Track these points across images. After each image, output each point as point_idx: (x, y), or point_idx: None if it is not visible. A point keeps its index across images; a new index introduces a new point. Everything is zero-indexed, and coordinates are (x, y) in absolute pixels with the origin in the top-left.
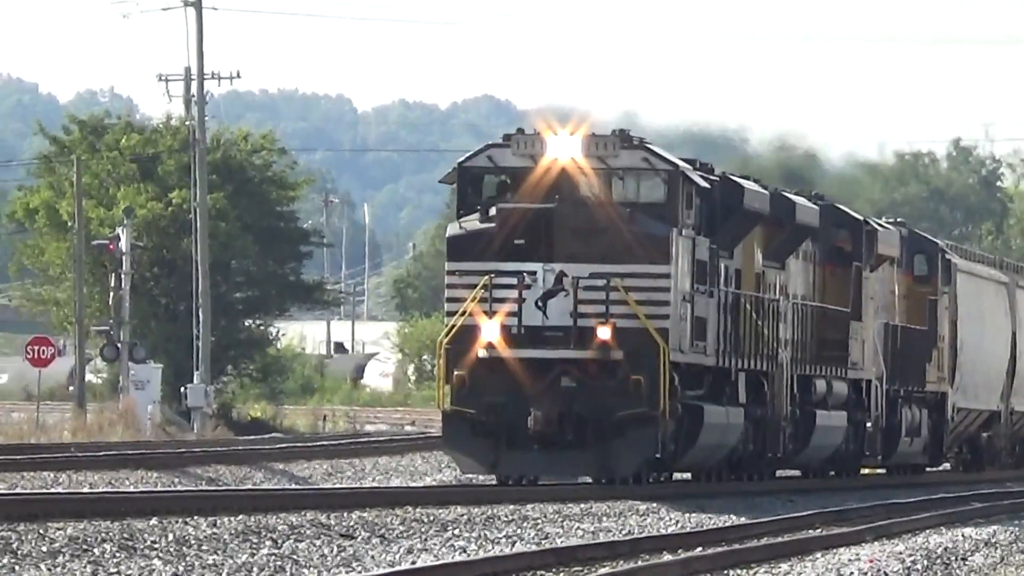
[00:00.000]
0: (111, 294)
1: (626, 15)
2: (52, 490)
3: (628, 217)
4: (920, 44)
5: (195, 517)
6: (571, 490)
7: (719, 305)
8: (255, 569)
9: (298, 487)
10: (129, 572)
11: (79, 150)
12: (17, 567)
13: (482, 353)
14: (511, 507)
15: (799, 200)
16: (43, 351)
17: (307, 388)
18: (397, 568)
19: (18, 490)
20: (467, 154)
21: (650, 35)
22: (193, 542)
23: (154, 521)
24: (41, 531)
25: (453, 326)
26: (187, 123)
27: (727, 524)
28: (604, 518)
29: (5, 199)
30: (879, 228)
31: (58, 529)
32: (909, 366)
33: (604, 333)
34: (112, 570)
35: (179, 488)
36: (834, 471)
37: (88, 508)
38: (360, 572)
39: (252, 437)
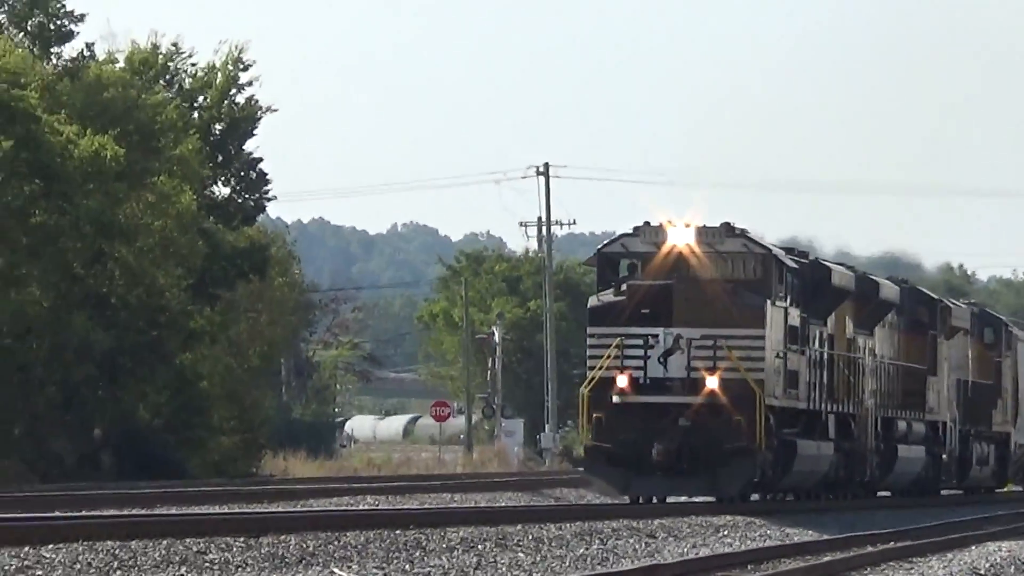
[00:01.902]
0: (488, 372)
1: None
2: (449, 505)
3: (731, 291)
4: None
5: (547, 523)
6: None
7: (810, 361)
8: (589, 559)
9: (618, 503)
10: (502, 561)
11: (466, 273)
12: (425, 559)
13: (616, 399)
14: (759, 519)
15: (882, 280)
16: (442, 410)
17: None
18: (687, 557)
19: (427, 505)
20: (605, 242)
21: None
22: (546, 540)
23: (519, 526)
24: (441, 534)
25: (593, 378)
26: (539, 255)
27: (908, 528)
28: (831, 522)
29: (416, 307)
30: (952, 305)
31: (454, 532)
32: (979, 412)
33: (712, 383)
34: (490, 560)
35: (535, 504)
36: (918, 492)
37: (473, 518)
38: (660, 560)
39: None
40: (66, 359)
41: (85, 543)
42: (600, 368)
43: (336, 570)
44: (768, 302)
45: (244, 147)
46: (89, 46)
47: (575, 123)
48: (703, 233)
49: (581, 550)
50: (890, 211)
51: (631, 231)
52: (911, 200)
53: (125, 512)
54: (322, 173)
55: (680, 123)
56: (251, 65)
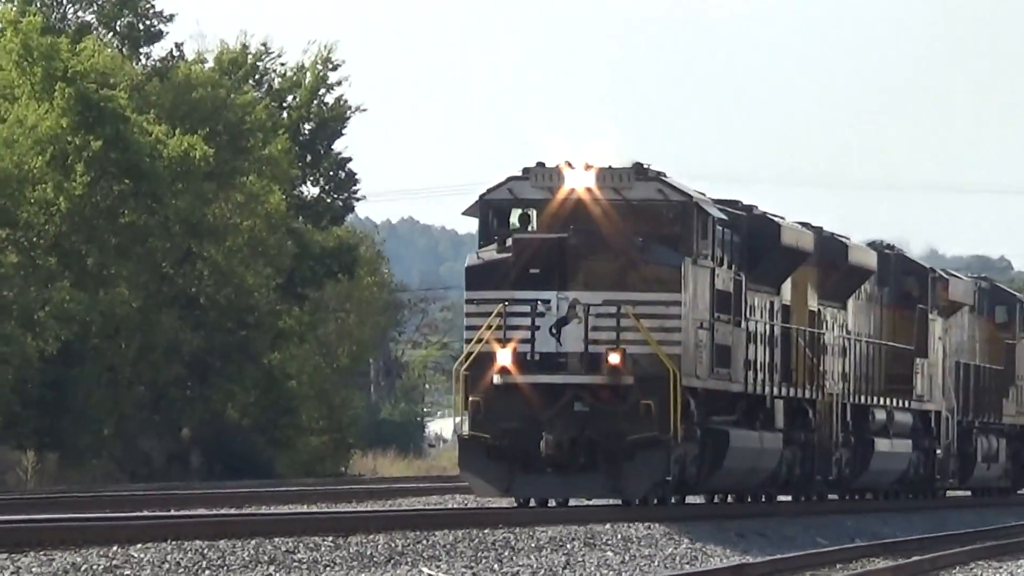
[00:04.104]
0: None
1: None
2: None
3: (640, 247)
4: None
5: (635, 522)
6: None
7: (750, 335)
8: (677, 558)
9: (708, 503)
10: (590, 561)
11: None
12: (513, 558)
13: (496, 379)
14: (842, 516)
15: (853, 243)
16: None
17: None
18: (775, 556)
19: (515, 505)
20: (488, 187)
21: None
22: (635, 539)
23: (607, 525)
24: (530, 533)
25: (470, 353)
26: None
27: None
28: (918, 518)
29: None
30: (947, 277)
31: (543, 531)
32: (985, 400)
33: (615, 359)
34: (579, 559)
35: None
36: (910, 493)
37: (562, 517)
38: (749, 560)
39: None
40: (155, 359)
41: (174, 542)
42: (478, 342)
43: (425, 569)
44: (687, 260)
45: (333, 147)
46: (178, 46)
47: (662, 122)
48: (607, 176)
49: (670, 549)
50: (983, 214)
51: (521, 173)
52: (1008, 201)
53: (213, 511)
54: (411, 173)
55: (769, 122)
56: (340, 65)
